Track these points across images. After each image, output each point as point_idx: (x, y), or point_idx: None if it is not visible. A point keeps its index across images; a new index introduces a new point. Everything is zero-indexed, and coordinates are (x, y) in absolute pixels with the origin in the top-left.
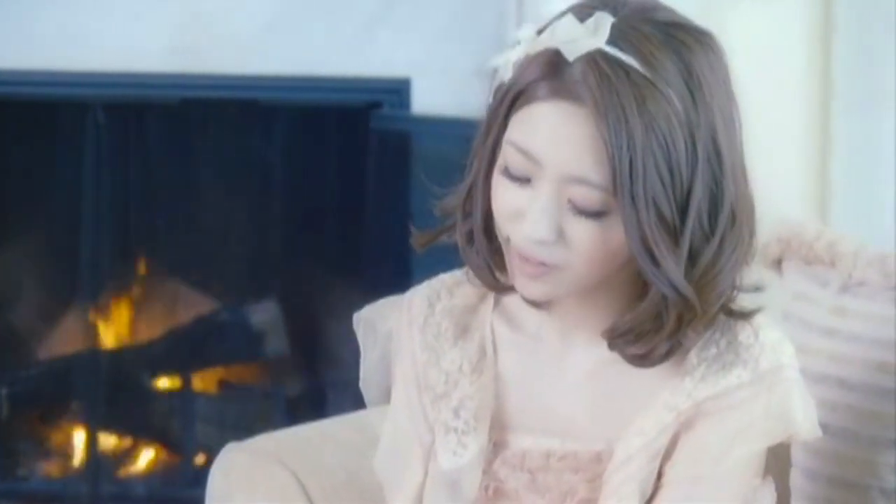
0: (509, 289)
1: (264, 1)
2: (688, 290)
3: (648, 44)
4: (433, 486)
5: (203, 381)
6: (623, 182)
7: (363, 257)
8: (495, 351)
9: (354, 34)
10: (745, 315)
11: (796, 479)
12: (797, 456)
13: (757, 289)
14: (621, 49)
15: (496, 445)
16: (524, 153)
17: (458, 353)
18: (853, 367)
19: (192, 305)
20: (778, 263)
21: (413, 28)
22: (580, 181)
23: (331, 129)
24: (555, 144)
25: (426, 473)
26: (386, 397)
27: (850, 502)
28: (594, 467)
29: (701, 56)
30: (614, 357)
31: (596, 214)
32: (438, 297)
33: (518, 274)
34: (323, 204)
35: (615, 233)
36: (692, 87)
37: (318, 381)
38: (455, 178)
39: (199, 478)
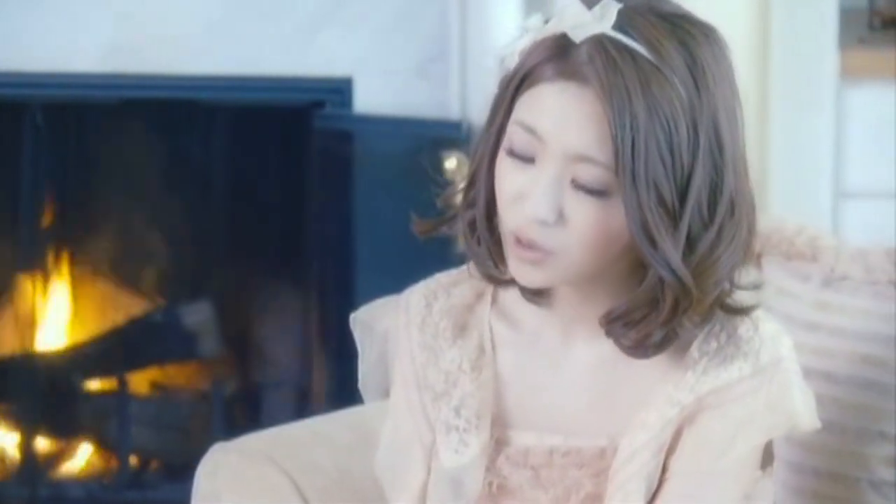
0: (509, 282)
1: (204, 0)
2: (685, 273)
3: (654, 31)
4: (436, 484)
5: (138, 383)
6: (625, 161)
7: (305, 257)
8: (494, 349)
9: (296, 34)
10: (743, 311)
11: (780, 472)
12: (782, 449)
13: (756, 286)
14: (628, 35)
15: (498, 443)
16: (530, 131)
17: (456, 351)
18: (838, 361)
19: (128, 307)
20: (757, 259)
21: (355, 27)
22: (584, 159)
23: (272, 128)
24: (560, 123)
25: (429, 472)
26: (384, 397)
27: (838, 495)
28: (598, 463)
29: (706, 48)
30: (614, 353)
31: (597, 194)
32: (435, 296)
33: (515, 260)
34: (265, 204)
35: (615, 215)
36: (696, 75)
37: (254, 381)
38: (397, 176)
39: (136, 479)
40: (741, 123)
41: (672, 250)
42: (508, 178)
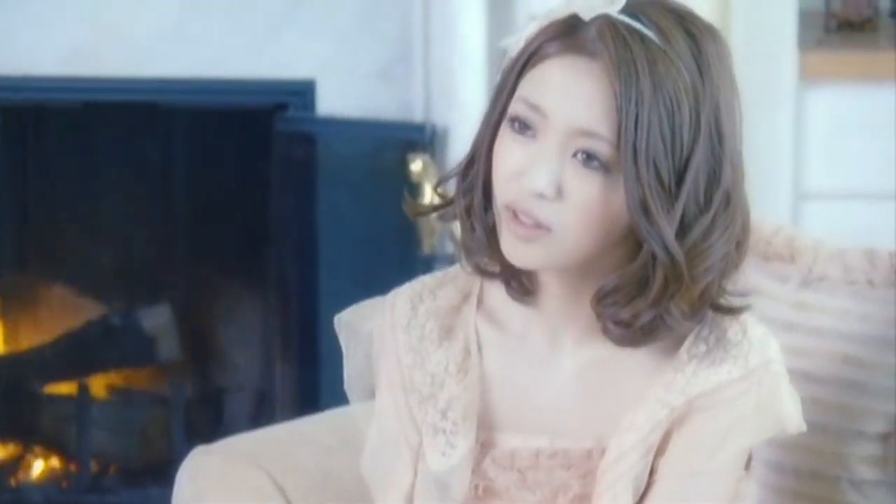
0: (498, 275)
1: (166, 3)
2: (678, 251)
3: (663, 19)
4: (423, 486)
5: (97, 387)
6: (628, 136)
7: (267, 260)
8: (480, 351)
9: (258, 36)
10: (733, 311)
11: (760, 472)
12: (762, 449)
13: (743, 295)
14: (636, 19)
15: (484, 445)
16: (533, 107)
17: (443, 354)
18: (817, 361)
19: (88, 310)
20: None
21: (317, 30)
22: (587, 134)
23: (235, 131)
24: (564, 97)
25: (415, 474)
26: (371, 399)
27: (819, 494)
28: (586, 464)
29: (710, 43)
30: (602, 355)
31: (597, 169)
32: (421, 298)
33: (509, 236)
34: (226, 207)
35: (613, 194)
36: (701, 64)
37: (214, 385)
38: (360, 179)
39: (95, 484)
40: (740, 124)
41: (667, 228)
42: (508, 153)
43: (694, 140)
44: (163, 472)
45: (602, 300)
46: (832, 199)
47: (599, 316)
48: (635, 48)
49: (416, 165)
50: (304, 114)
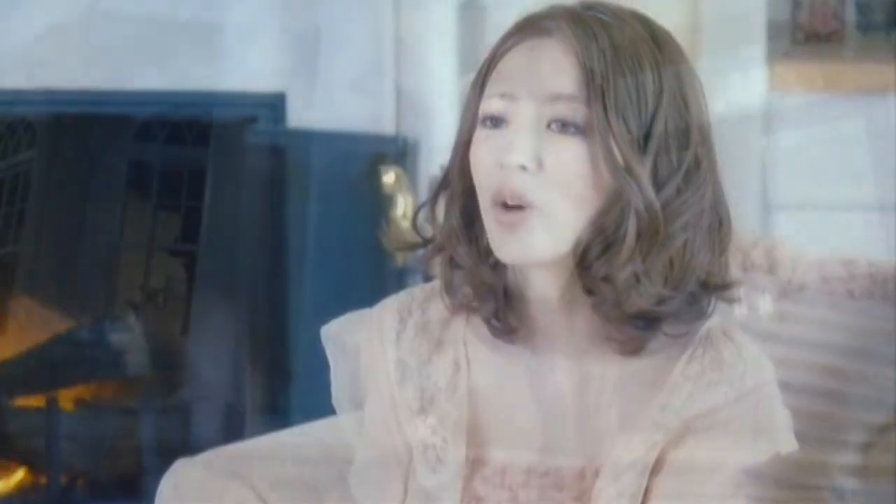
0: (481, 310)
1: (136, 14)
2: (653, 198)
3: (614, 8)
4: (413, 502)
5: (65, 400)
6: (595, 90)
7: (238, 272)
8: (469, 366)
9: (228, 48)
10: (726, 286)
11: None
12: None
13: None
14: (588, 8)
15: (475, 462)
16: (501, 95)
17: (432, 368)
18: (797, 371)
19: (56, 324)
20: None
21: (288, 42)
22: (557, 97)
23: (205, 143)
24: (530, 72)
25: (405, 490)
26: (358, 410)
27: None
28: (579, 485)
29: (662, 31)
30: (595, 373)
31: (573, 132)
32: (409, 312)
33: (498, 231)
34: (196, 219)
35: (592, 159)
36: (656, 40)
37: (183, 398)
38: (331, 191)
39: (64, 497)
40: (704, 102)
41: (643, 174)
42: (486, 149)
43: (658, 98)
44: (132, 485)
45: (582, 259)
46: (800, 209)
47: (581, 277)
48: (592, 23)
49: (388, 177)
50: (274, 126)
